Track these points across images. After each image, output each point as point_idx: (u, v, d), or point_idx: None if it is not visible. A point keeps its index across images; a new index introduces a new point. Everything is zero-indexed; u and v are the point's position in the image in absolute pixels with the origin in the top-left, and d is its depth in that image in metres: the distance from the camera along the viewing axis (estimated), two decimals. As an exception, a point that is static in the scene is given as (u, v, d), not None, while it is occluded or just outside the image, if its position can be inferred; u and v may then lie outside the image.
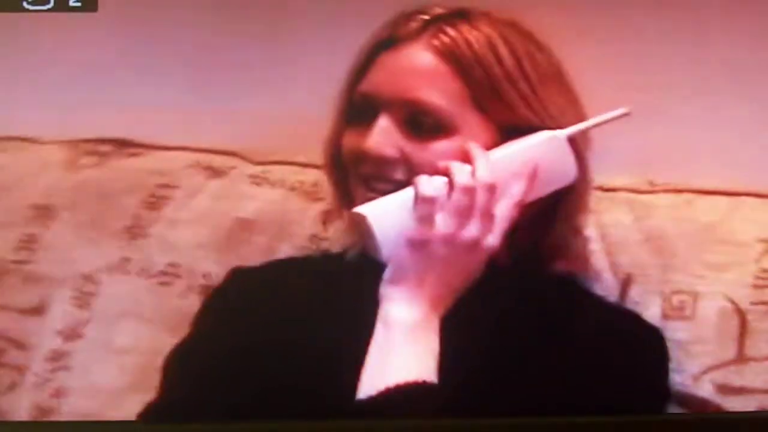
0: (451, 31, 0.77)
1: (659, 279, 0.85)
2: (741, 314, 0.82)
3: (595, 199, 0.87)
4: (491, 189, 0.74)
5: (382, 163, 0.77)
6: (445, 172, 0.75)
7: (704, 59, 0.96)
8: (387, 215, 0.75)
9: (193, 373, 0.80)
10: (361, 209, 0.76)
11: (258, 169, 1.03)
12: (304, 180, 1.01)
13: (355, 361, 0.73)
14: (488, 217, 0.74)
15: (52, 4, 0.90)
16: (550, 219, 0.79)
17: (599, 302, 0.84)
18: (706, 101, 0.96)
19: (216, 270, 0.98)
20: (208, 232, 1.00)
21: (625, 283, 0.86)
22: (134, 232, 1.02)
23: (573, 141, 0.78)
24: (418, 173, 0.76)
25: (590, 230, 0.86)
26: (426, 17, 0.79)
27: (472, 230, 0.73)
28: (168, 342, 0.94)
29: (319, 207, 0.99)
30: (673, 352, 0.81)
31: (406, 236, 0.74)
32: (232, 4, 1.09)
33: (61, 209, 1.04)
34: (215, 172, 1.04)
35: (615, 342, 0.77)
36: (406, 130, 0.77)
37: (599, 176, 0.86)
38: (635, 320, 0.82)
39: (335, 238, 0.97)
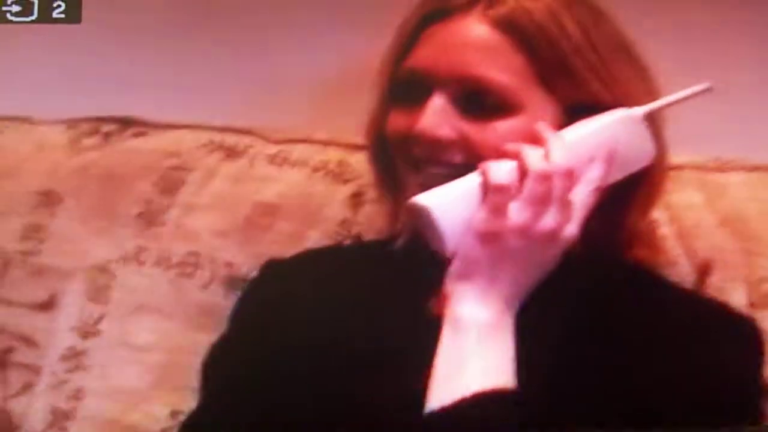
0: (508, 0, 0.70)
1: (742, 264, 0.79)
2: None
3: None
4: (568, 174, 0.67)
5: (437, 145, 0.70)
6: (515, 156, 0.67)
7: None
8: (451, 206, 0.68)
9: (234, 376, 0.74)
10: (421, 200, 0.69)
11: (276, 148, 0.97)
12: (327, 159, 0.95)
13: (413, 364, 0.67)
14: (566, 205, 0.67)
15: (35, 15, 0.89)
16: (624, 204, 0.72)
17: (682, 292, 0.77)
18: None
19: (240, 259, 0.93)
20: (228, 218, 0.94)
21: (703, 270, 0.81)
22: (148, 219, 0.97)
23: (649, 120, 0.71)
24: (478, 156, 0.69)
25: (659, 213, 0.79)
26: None
27: (549, 220, 0.66)
28: (192, 338, 0.91)
29: (347, 189, 0.93)
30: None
31: (476, 229, 0.67)
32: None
33: (66, 195, 0.99)
34: (230, 153, 0.99)
35: (704, 335, 0.70)
36: (463, 109, 0.70)
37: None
38: (725, 310, 0.75)
39: (368, 223, 0.91)
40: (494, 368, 0.65)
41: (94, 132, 1.02)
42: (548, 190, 0.66)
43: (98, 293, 0.95)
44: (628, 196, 0.73)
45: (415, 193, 0.69)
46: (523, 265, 0.67)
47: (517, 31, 0.70)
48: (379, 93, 0.77)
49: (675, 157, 0.77)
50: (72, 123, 1.03)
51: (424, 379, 0.65)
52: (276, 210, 0.93)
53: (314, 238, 0.91)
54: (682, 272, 0.80)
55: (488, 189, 0.67)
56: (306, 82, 1.03)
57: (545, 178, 0.66)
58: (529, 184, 0.66)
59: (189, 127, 1.01)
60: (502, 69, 0.69)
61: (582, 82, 0.70)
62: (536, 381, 0.65)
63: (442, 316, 0.68)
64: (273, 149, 0.97)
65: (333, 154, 0.95)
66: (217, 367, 0.77)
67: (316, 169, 0.94)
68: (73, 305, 0.94)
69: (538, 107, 0.70)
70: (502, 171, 0.67)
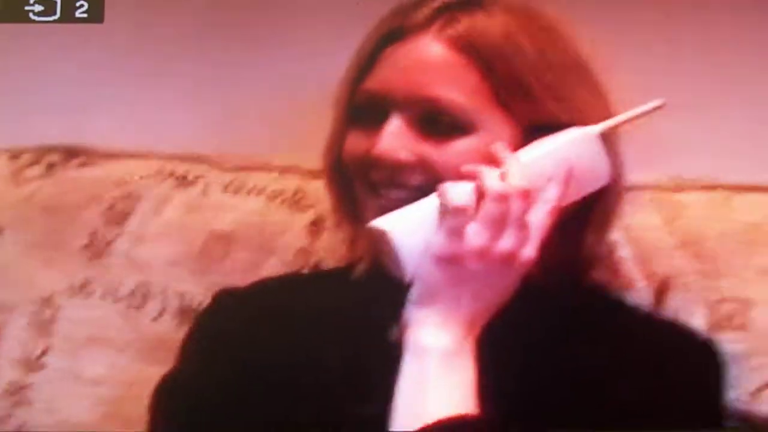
0: (465, 20, 0.70)
1: (701, 286, 0.79)
2: (802, 321, 0.77)
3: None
4: (525, 195, 0.66)
5: (396, 168, 0.69)
6: (472, 177, 0.67)
7: (737, 46, 0.92)
8: (409, 229, 0.67)
9: (186, 410, 0.72)
10: (379, 223, 0.68)
11: (231, 176, 0.96)
12: (284, 187, 0.94)
13: (376, 392, 0.66)
14: (523, 226, 0.66)
15: (58, 15, 0.89)
16: (581, 226, 0.72)
17: (642, 315, 0.78)
18: (735, 91, 0.91)
19: (193, 289, 0.91)
20: (180, 247, 0.93)
21: (661, 292, 0.81)
22: (95, 250, 0.94)
23: (605, 138, 0.71)
24: (437, 177, 0.68)
25: (617, 234, 0.79)
26: (436, 4, 0.71)
27: (507, 242, 0.66)
28: (144, 371, 0.89)
29: (305, 217, 0.92)
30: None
31: (434, 253, 0.66)
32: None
33: (7, 227, 0.96)
34: (182, 181, 0.97)
35: (665, 357, 0.70)
36: (421, 131, 0.70)
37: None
38: (685, 332, 0.75)
39: (327, 251, 0.90)
40: (456, 395, 0.64)
41: (37, 162, 1.00)
42: (505, 212, 0.66)
43: (43, 326, 0.92)
44: (585, 217, 0.72)
45: (374, 217, 0.69)
46: (482, 289, 0.66)
47: (473, 51, 0.69)
48: (337, 116, 0.76)
49: (632, 177, 0.77)
50: (14, 153, 1.00)
51: (387, 406, 0.64)
52: (231, 239, 0.92)
53: (271, 267, 0.90)
54: (641, 295, 0.80)
55: (446, 211, 0.66)
56: (262, 108, 1.02)
57: (502, 199, 0.66)
58: (486, 206, 0.66)
59: (138, 156, 0.99)
60: (459, 89, 0.69)
61: (538, 102, 0.70)
62: (498, 406, 0.64)
63: (402, 343, 0.67)
64: (227, 177, 0.95)
65: (290, 182, 0.93)
66: (169, 400, 0.74)
67: (272, 197, 0.93)
68: (17, 338, 0.92)
69: (496, 127, 0.70)
70: (459, 193, 0.66)
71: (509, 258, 0.66)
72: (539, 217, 0.67)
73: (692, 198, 0.83)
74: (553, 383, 0.68)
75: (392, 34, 0.71)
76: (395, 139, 0.69)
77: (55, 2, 0.88)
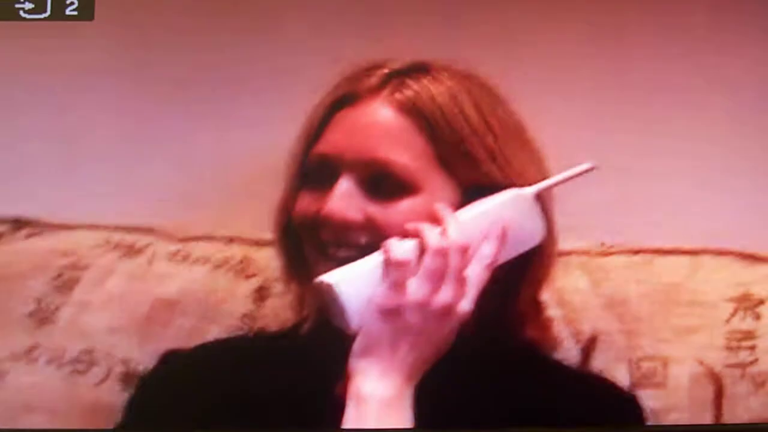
0: (413, 85, 0.74)
1: (624, 345, 0.83)
2: (716, 378, 0.81)
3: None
4: (463, 251, 0.70)
5: (345, 227, 0.73)
6: (415, 234, 0.71)
7: (652, 113, 0.97)
8: (354, 283, 0.70)
9: None
10: (326, 278, 0.71)
11: (177, 246, 0.98)
12: (230, 256, 0.96)
13: None
14: (461, 280, 0.70)
15: (49, 12, 0.89)
16: (515, 284, 0.76)
17: (570, 371, 0.81)
18: (654, 158, 0.95)
19: (137, 355, 0.92)
20: (125, 314, 0.94)
21: (588, 350, 0.84)
22: (40, 317, 0.95)
23: (539, 198, 0.76)
24: (383, 236, 0.72)
25: (546, 296, 0.83)
26: (385, 71, 0.76)
27: (445, 295, 0.70)
28: None
29: (250, 284, 0.94)
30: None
31: (376, 304, 0.69)
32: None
33: None
34: (129, 251, 0.98)
35: (593, 410, 0.73)
36: (368, 191, 0.73)
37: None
38: (611, 389, 0.79)
39: (272, 316, 0.91)
40: None
41: (-16, 233, 1.01)
42: (444, 266, 0.70)
43: (-17, 391, 0.92)
44: (519, 275, 0.76)
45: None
46: (421, 339, 0.69)
47: (420, 115, 0.74)
48: (289, 178, 0.79)
49: (562, 243, 0.81)
50: (-41, 226, 1.02)
51: None
52: (175, 306, 0.93)
53: (214, 333, 0.91)
54: (569, 353, 0.84)
55: (389, 265, 0.69)
56: (209, 178, 1.03)
57: (442, 254, 0.70)
58: (427, 260, 0.70)
59: (85, 227, 1.00)
60: (405, 151, 0.73)
61: (478, 164, 0.74)
62: None
63: (344, 395, 0.69)
64: (173, 247, 0.97)
65: (236, 251, 0.96)
66: None
67: (218, 266, 0.95)
68: (-43, 405, 0.91)
69: (438, 187, 0.74)
70: (401, 248, 0.70)
71: (447, 310, 0.70)
72: (476, 273, 0.71)
73: (616, 262, 0.88)
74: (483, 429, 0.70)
75: (344, 98, 0.76)
76: (344, 199, 0.73)
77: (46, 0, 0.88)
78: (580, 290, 0.86)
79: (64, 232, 1.00)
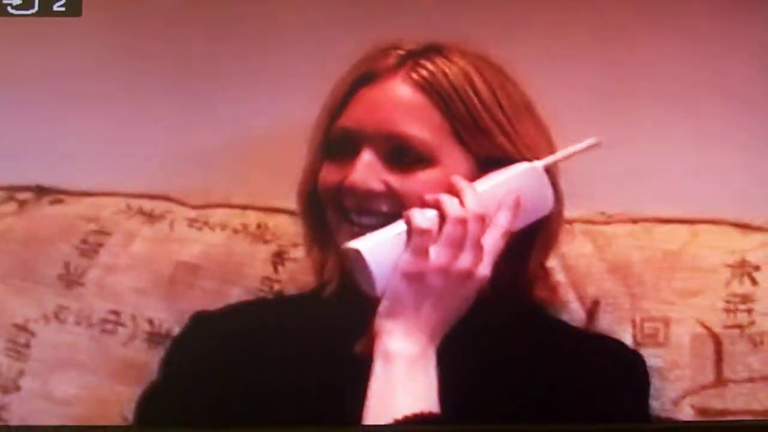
0: (428, 65, 0.79)
1: (628, 307, 0.87)
2: (715, 338, 0.85)
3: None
4: (481, 219, 0.75)
5: (367, 196, 0.77)
6: (435, 205, 0.75)
7: (652, 86, 1.00)
8: (380, 249, 0.75)
9: (165, 417, 0.77)
10: (353, 244, 0.76)
11: (195, 212, 1.01)
12: (246, 222, 0.99)
13: (338, 403, 0.73)
14: (479, 247, 0.75)
15: (36, 8, 0.89)
16: (526, 250, 0.81)
17: (576, 330, 0.86)
18: (651, 131, 0.99)
19: (162, 316, 0.95)
20: (150, 277, 0.97)
21: (593, 313, 0.88)
22: (69, 279, 0.98)
23: (548, 171, 0.80)
24: (402, 204, 0.77)
25: (552, 262, 0.88)
26: (401, 52, 0.80)
27: (465, 261, 0.74)
28: (114, 390, 0.92)
29: (267, 249, 0.97)
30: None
31: (401, 269, 0.74)
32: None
33: None
34: (149, 217, 1.01)
35: (600, 367, 0.78)
36: (388, 163, 0.78)
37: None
38: (618, 346, 0.84)
39: (289, 280, 0.95)
40: (420, 395, 0.72)
41: (10, 199, 1.04)
42: (464, 233, 0.74)
43: (18, 351, 0.95)
44: (529, 243, 0.81)
45: (346, 241, 0.76)
46: (443, 301, 0.74)
47: (435, 92, 0.78)
48: (313, 149, 0.83)
49: (567, 212, 0.85)
50: (-13, 192, 1.04)
51: (357, 417, 0.71)
52: (197, 269, 0.96)
53: (235, 295, 0.95)
54: (575, 315, 0.88)
55: (412, 233, 0.74)
56: (223, 147, 1.06)
57: (461, 222, 0.74)
58: (448, 228, 0.74)
59: (106, 194, 1.03)
60: (423, 126, 0.77)
61: (491, 137, 0.78)
62: (452, 404, 0.72)
63: (368, 354, 0.74)
64: (192, 213, 1.00)
65: (252, 217, 0.99)
66: (150, 408, 0.80)
67: (236, 231, 0.98)
68: (-6, 361, 0.94)
69: (454, 160, 0.78)
70: (423, 217, 0.75)
71: (467, 275, 0.74)
72: (493, 240, 0.76)
73: (619, 230, 0.92)
74: (499, 385, 0.76)
75: (364, 76, 0.80)
76: (366, 170, 0.77)
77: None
78: (585, 255, 0.90)
79: (86, 198, 1.03)
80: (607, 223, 0.93)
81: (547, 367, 0.77)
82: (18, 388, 0.94)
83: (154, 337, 0.95)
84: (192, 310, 0.91)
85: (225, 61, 1.06)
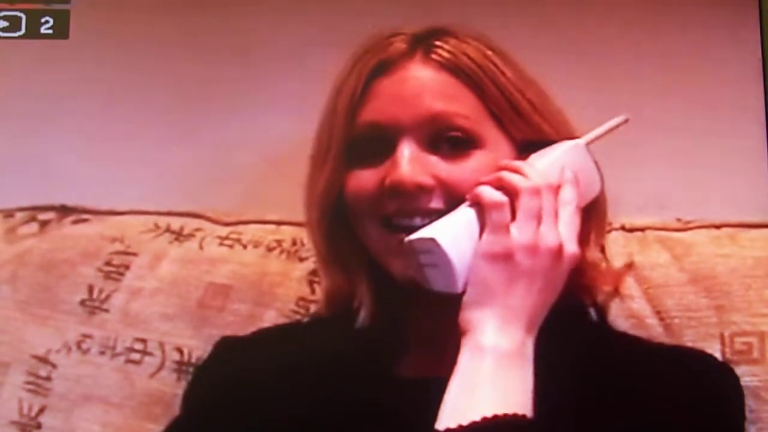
0: (444, 45, 0.71)
1: (715, 321, 0.79)
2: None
3: (622, 239, 0.82)
4: (554, 190, 0.67)
5: (417, 193, 0.68)
6: (497, 184, 0.67)
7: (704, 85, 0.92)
8: (454, 235, 0.66)
9: None
10: (422, 234, 0.66)
11: (226, 230, 0.95)
12: (281, 239, 0.92)
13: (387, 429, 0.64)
14: (558, 220, 0.67)
15: (23, 31, 0.88)
16: (584, 234, 0.72)
17: (657, 344, 0.77)
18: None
19: (191, 343, 0.89)
20: (178, 301, 0.91)
21: (672, 327, 0.80)
22: (91, 305, 0.92)
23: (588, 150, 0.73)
24: (457, 196, 0.68)
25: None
26: (408, 36, 0.73)
27: (550, 236, 0.66)
28: (141, 428, 0.85)
29: (304, 267, 0.90)
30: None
31: (484, 251, 0.65)
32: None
33: (1, 284, 0.94)
34: (178, 236, 0.95)
35: (687, 382, 0.69)
36: (432, 152, 0.70)
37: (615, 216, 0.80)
38: (704, 358, 0.74)
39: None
40: (511, 395, 0.62)
41: (31, 220, 0.99)
42: (540, 205, 0.66)
43: (38, 385, 0.90)
44: (585, 225, 0.72)
45: (392, 254, 0.68)
46: (536, 284, 0.65)
47: (462, 72, 0.71)
48: (332, 159, 0.73)
49: (631, 218, 0.79)
50: (7, 212, 0.99)
51: None
52: (229, 290, 0.90)
53: (269, 318, 0.88)
54: (651, 332, 0.80)
55: (486, 210, 0.66)
56: (256, 161, 1.00)
57: (535, 192, 0.66)
58: (523, 201, 0.66)
59: (132, 213, 0.98)
60: (461, 104, 0.70)
61: (526, 116, 0.71)
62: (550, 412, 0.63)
63: (413, 375, 0.67)
64: (223, 231, 0.94)
65: (287, 233, 0.92)
66: None
67: (270, 249, 0.92)
68: (12, 398, 0.89)
69: (496, 142, 0.71)
70: (493, 191, 0.66)
71: (557, 252, 0.66)
72: (568, 215, 0.68)
73: (698, 237, 0.84)
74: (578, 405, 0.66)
75: (378, 66, 0.72)
76: (413, 163, 0.69)
77: (20, 18, 0.87)
78: (661, 266, 0.82)
79: (111, 217, 0.98)
80: (684, 229, 0.85)
81: (622, 382, 0.67)
82: (39, 426, 0.88)
83: (183, 367, 0.88)
84: (222, 336, 0.85)
85: (253, 75, 1.00)
